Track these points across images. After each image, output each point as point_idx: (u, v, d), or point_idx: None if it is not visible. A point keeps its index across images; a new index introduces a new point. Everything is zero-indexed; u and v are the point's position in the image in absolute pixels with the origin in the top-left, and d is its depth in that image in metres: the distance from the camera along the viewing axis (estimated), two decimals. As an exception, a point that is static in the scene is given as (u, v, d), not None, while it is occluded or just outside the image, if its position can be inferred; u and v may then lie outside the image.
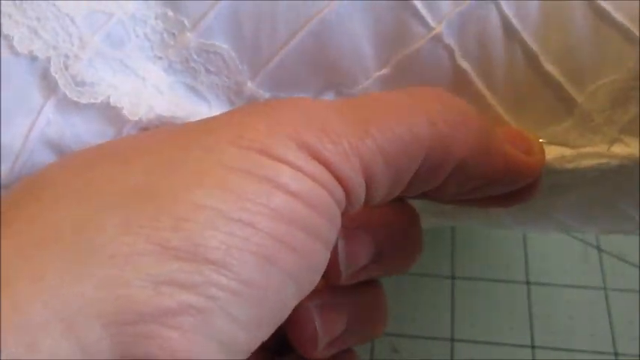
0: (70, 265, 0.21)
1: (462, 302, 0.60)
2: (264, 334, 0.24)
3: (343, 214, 0.26)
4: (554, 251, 0.63)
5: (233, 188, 0.23)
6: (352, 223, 0.31)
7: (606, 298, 0.61)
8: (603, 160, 0.32)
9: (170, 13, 0.31)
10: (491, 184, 0.30)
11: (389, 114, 0.26)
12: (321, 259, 0.25)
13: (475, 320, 0.59)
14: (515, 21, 0.31)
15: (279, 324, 0.25)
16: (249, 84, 0.33)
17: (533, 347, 0.57)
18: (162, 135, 0.26)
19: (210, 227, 0.22)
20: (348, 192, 0.25)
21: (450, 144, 0.27)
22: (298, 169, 0.24)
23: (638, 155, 0.31)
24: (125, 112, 0.30)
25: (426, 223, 0.35)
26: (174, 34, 0.31)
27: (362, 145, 0.25)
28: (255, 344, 0.24)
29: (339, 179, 0.25)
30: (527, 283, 0.61)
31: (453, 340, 0.57)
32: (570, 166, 0.32)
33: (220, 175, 0.23)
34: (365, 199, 0.27)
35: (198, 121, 0.27)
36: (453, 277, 0.62)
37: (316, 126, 0.25)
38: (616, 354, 0.56)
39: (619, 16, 0.30)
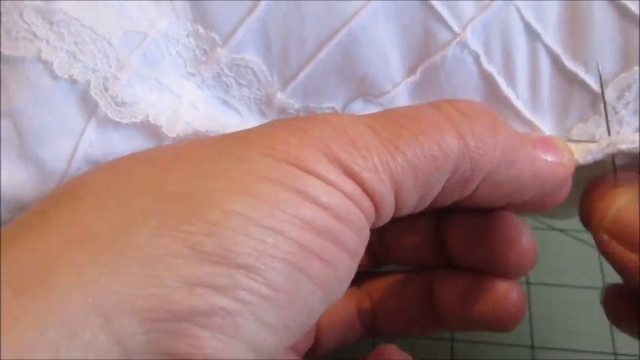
0: (108, 263, 0.22)
1: None
2: (292, 337, 0.25)
3: (372, 226, 0.27)
4: (554, 251, 0.63)
5: (264, 197, 0.23)
6: None
7: (606, 298, 0.61)
8: (634, 145, 0.32)
9: (201, 30, 0.32)
10: (521, 191, 0.31)
11: (418, 129, 0.27)
12: (347, 270, 0.26)
13: (475, 320, 0.59)
14: (536, 24, 0.32)
15: (307, 329, 0.26)
16: (279, 95, 0.33)
17: (533, 347, 0.57)
18: (198, 145, 0.27)
19: (241, 233, 0.23)
20: (377, 206, 0.26)
21: (479, 157, 0.27)
22: (328, 182, 0.24)
23: None
24: (164, 129, 0.31)
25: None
26: (205, 50, 0.32)
27: (392, 160, 0.26)
28: (282, 347, 0.25)
29: (368, 193, 0.25)
30: (527, 283, 0.61)
31: (452, 340, 0.57)
32: (600, 155, 0.32)
33: (252, 184, 0.24)
34: (395, 211, 0.27)
35: (233, 132, 0.28)
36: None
37: (347, 141, 0.25)
38: (616, 354, 0.55)
39: (638, 10, 0.31)
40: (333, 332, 0.39)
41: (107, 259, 0.22)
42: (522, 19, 0.32)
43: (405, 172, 0.26)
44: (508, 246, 0.34)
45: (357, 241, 0.26)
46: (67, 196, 0.25)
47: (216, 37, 0.32)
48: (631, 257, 0.30)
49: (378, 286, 0.39)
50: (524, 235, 0.34)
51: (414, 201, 0.27)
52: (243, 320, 0.22)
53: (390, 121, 0.27)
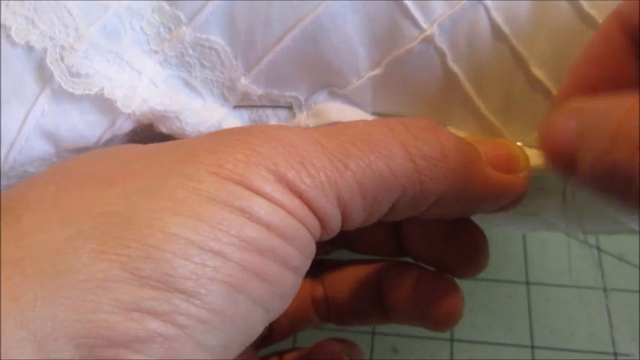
0: (45, 288, 0.21)
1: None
2: (233, 355, 0.25)
3: (318, 241, 0.27)
4: (554, 251, 0.62)
5: (207, 218, 0.23)
6: None
7: (606, 298, 0.61)
8: None
9: (166, 7, 0.31)
10: (474, 208, 0.31)
11: (368, 148, 0.26)
12: (291, 286, 0.26)
13: (475, 320, 0.59)
14: (504, 26, 0.31)
15: (246, 346, 0.25)
16: (242, 80, 0.33)
17: (533, 347, 0.57)
18: (145, 157, 0.27)
19: (181, 257, 0.22)
20: (323, 223, 0.26)
21: (429, 180, 0.27)
22: (274, 200, 0.24)
23: None
24: (119, 104, 0.31)
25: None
26: (170, 28, 0.32)
27: (340, 179, 0.26)
28: None
29: (314, 211, 0.25)
30: (527, 283, 0.61)
31: (452, 340, 0.57)
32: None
33: (196, 205, 0.23)
34: (341, 227, 0.27)
35: (180, 143, 0.27)
36: (452, 277, 0.62)
37: (295, 158, 0.25)
38: (615, 354, 0.55)
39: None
40: (286, 320, 0.39)
41: (44, 283, 0.21)
42: (491, 19, 0.31)
43: (353, 191, 0.26)
44: (460, 247, 0.34)
45: (302, 257, 0.26)
46: (6, 216, 0.24)
47: (182, 15, 0.32)
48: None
49: (330, 276, 0.39)
50: (477, 238, 0.34)
51: (361, 218, 0.27)
52: (181, 345, 0.22)
53: (341, 137, 0.27)
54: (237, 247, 0.23)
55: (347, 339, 0.40)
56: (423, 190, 0.27)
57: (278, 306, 0.26)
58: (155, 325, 0.22)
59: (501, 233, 0.65)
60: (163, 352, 0.22)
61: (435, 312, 0.34)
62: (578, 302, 0.59)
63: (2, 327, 0.20)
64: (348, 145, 0.26)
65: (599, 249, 0.63)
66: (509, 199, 0.31)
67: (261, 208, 0.24)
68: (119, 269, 0.22)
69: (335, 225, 0.27)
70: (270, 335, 0.40)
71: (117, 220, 0.23)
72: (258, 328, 0.25)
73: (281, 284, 0.25)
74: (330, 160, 0.26)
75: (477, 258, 0.34)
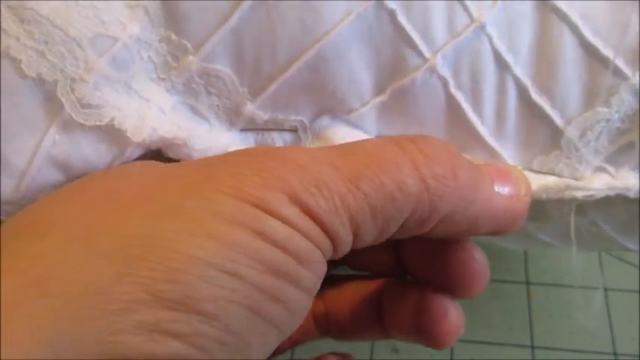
0: (68, 308, 0.22)
1: (462, 302, 0.60)
2: None
3: (329, 259, 0.27)
4: (554, 251, 0.62)
5: (226, 240, 0.24)
6: None
7: (606, 298, 0.61)
8: (589, 193, 0.32)
9: (174, 37, 0.32)
10: (476, 229, 0.31)
11: (380, 169, 0.27)
12: (303, 307, 0.26)
13: (475, 320, 0.59)
14: (506, 54, 0.32)
15: None
16: (248, 106, 0.33)
17: (533, 347, 0.57)
18: (165, 178, 0.27)
19: (201, 279, 0.23)
20: (335, 243, 0.26)
21: (438, 199, 0.28)
22: (289, 223, 0.25)
23: (619, 186, 0.32)
24: (129, 134, 0.31)
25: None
26: (177, 56, 0.32)
27: (352, 200, 0.26)
28: None
29: (327, 233, 0.26)
30: (527, 283, 0.61)
31: (452, 339, 0.57)
32: (556, 197, 0.33)
33: (215, 227, 0.24)
34: (352, 246, 0.28)
35: (201, 163, 0.28)
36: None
37: (310, 180, 0.26)
38: (615, 354, 0.56)
39: (607, 52, 0.31)
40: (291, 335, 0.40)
41: (67, 303, 0.22)
42: (493, 48, 0.32)
43: (365, 212, 0.26)
44: (459, 268, 0.35)
45: (314, 278, 0.26)
46: (31, 233, 0.25)
47: (188, 45, 0.32)
48: None
49: (331, 291, 0.40)
50: (477, 259, 0.35)
51: (371, 238, 0.28)
52: None
53: (353, 158, 0.27)
54: (254, 269, 0.24)
55: (347, 352, 0.40)
56: (431, 210, 0.28)
57: (291, 326, 0.26)
58: (176, 347, 0.22)
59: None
60: None
61: (435, 331, 0.35)
62: (578, 302, 0.60)
63: (25, 348, 0.21)
64: (360, 166, 0.27)
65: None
66: (510, 221, 0.31)
67: (277, 230, 0.25)
68: (142, 291, 0.22)
69: (346, 245, 0.27)
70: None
71: (139, 242, 0.23)
72: (272, 347, 0.26)
73: (294, 305, 0.26)
74: (344, 181, 0.26)
75: (474, 279, 0.35)
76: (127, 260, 0.23)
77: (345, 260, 0.39)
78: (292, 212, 0.25)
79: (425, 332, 0.35)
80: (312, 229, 0.25)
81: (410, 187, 0.27)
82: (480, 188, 0.30)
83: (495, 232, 0.32)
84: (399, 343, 0.39)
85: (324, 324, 0.40)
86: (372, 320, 0.38)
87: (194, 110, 0.34)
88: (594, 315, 0.57)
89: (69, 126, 0.31)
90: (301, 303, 0.26)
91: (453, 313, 0.35)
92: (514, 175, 0.32)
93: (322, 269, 0.27)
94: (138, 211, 0.25)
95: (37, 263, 0.23)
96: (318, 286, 0.27)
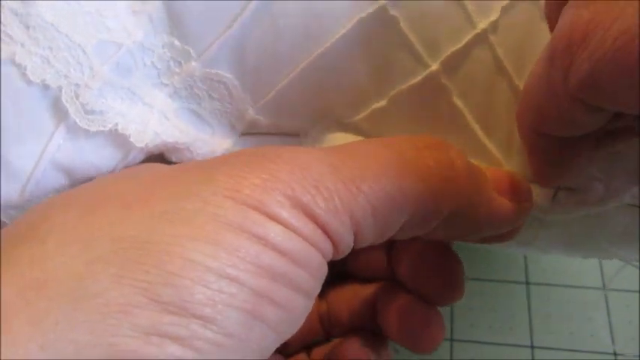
0: (66, 311, 0.22)
1: (462, 302, 0.60)
2: None
3: (329, 262, 0.27)
4: (553, 251, 0.63)
5: (225, 245, 0.24)
6: None
7: (606, 298, 0.61)
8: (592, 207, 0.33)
9: (177, 43, 0.32)
10: (475, 232, 0.31)
11: (380, 170, 0.27)
12: (302, 310, 0.26)
13: (475, 320, 0.59)
14: (507, 63, 0.32)
15: None
16: (250, 111, 0.34)
17: (532, 347, 0.57)
18: (163, 180, 0.27)
19: (199, 283, 0.23)
20: (336, 245, 0.26)
21: (439, 200, 0.28)
22: (290, 227, 0.25)
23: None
24: (132, 139, 0.31)
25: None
26: (180, 62, 0.33)
27: (353, 201, 0.26)
28: None
29: (328, 234, 0.26)
30: (527, 283, 0.61)
31: (452, 340, 0.57)
32: (552, 204, 0.33)
33: (214, 231, 0.24)
34: (353, 246, 0.28)
35: (201, 164, 0.28)
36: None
37: (310, 182, 0.26)
38: (615, 354, 0.56)
39: None
40: (299, 334, 0.40)
41: (65, 307, 0.22)
42: (495, 56, 0.32)
43: (366, 213, 0.26)
44: (438, 273, 0.35)
45: (314, 281, 0.26)
46: (30, 237, 0.25)
47: (191, 51, 0.32)
48: None
49: (333, 292, 0.40)
50: (456, 268, 0.35)
51: (371, 238, 0.28)
52: None
53: (353, 159, 0.27)
54: (253, 273, 0.24)
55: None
56: (433, 209, 0.28)
57: (290, 329, 0.26)
58: (173, 349, 0.22)
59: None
60: None
61: (417, 338, 0.35)
62: (578, 302, 0.59)
63: (24, 351, 0.21)
64: (362, 168, 0.27)
65: (598, 249, 0.63)
66: (509, 227, 0.31)
67: (277, 234, 0.24)
68: (139, 295, 0.22)
69: (347, 246, 0.27)
70: (280, 351, 0.40)
71: (136, 245, 0.24)
72: (270, 350, 0.26)
73: (293, 308, 0.26)
74: (344, 182, 0.26)
75: (450, 285, 0.35)
76: (123, 263, 0.23)
77: (344, 262, 0.39)
78: (292, 215, 0.25)
79: (409, 338, 0.36)
80: (312, 231, 0.25)
81: (411, 188, 0.27)
82: (481, 191, 0.30)
83: (495, 237, 0.32)
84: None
85: (326, 324, 0.40)
86: (370, 322, 0.38)
87: (196, 115, 0.34)
88: (594, 315, 0.57)
89: (73, 131, 0.31)
90: (300, 306, 0.26)
91: (434, 322, 0.35)
92: (516, 180, 0.32)
93: (322, 271, 0.27)
94: (135, 214, 0.25)
95: (36, 267, 0.23)
96: (319, 289, 0.27)
